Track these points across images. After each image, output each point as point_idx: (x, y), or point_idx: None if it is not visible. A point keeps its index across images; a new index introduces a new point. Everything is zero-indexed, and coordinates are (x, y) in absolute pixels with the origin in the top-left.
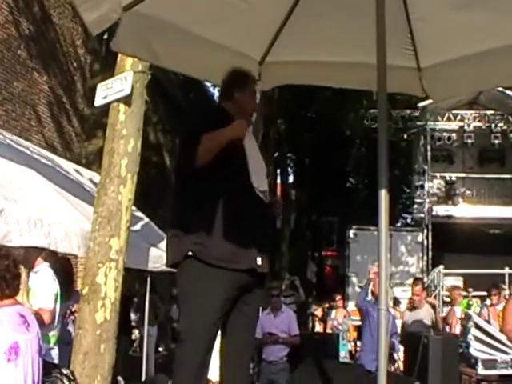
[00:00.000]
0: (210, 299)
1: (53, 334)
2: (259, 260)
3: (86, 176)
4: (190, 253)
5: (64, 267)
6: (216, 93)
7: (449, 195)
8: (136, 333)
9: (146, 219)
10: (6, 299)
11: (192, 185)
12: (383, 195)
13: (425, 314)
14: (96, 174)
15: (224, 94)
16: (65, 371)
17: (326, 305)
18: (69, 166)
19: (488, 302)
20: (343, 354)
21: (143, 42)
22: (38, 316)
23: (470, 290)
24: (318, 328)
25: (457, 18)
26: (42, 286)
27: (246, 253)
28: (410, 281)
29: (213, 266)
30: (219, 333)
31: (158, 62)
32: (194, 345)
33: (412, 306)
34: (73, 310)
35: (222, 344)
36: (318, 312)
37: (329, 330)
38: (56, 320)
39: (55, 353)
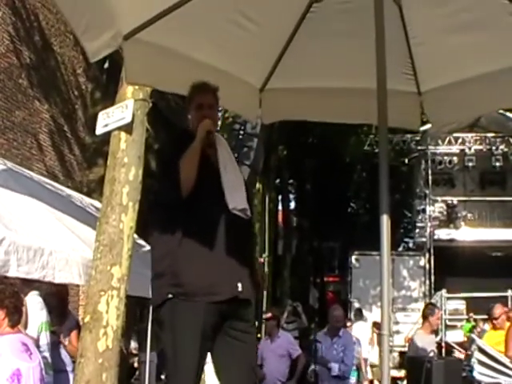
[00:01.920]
0: (191, 333)
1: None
2: (240, 286)
3: (87, 203)
4: (170, 295)
5: (58, 292)
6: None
7: (450, 219)
8: (136, 360)
9: (148, 247)
10: (12, 327)
11: (166, 219)
12: (385, 220)
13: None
14: (97, 202)
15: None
16: None
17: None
18: (71, 194)
19: (486, 326)
20: (353, 380)
21: (152, 70)
22: None
23: (471, 314)
24: None
25: (456, 41)
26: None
27: (225, 281)
28: (413, 305)
29: (192, 302)
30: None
31: (167, 88)
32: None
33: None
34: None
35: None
36: None
37: None
38: (45, 348)
39: (50, 380)
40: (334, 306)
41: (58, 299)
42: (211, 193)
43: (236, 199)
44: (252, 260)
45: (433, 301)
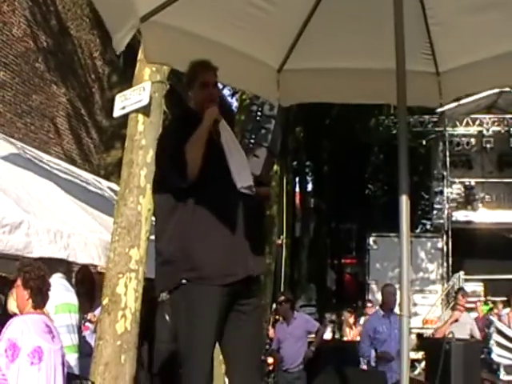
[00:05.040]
0: (208, 318)
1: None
2: (251, 264)
3: (104, 186)
4: (184, 280)
5: (88, 277)
6: (234, 102)
7: (468, 200)
8: None
9: None
10: (35, 309)
11: (172, 203)
12: (404, 201)
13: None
14: (115, 184)
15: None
16: (86, 382)
17: (346, 312)
18: (88, 177)
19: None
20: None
21: (170, 50)
22: None
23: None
24: (350, 336)
25: (475, 21)
26: None
27: (239, 261)
28: (430, 287)
29: (208, 285)
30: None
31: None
32: (199, 364)
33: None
34: (88, 318)
35: (225, 354)
36: (351, 319)
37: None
38: (65, 330)
39: (74, 364)
40: (387, 284)
41: (88, 284)
42: (218, 174)
43: (242, 178)
44: (260, 237)
45: (450, 283)
